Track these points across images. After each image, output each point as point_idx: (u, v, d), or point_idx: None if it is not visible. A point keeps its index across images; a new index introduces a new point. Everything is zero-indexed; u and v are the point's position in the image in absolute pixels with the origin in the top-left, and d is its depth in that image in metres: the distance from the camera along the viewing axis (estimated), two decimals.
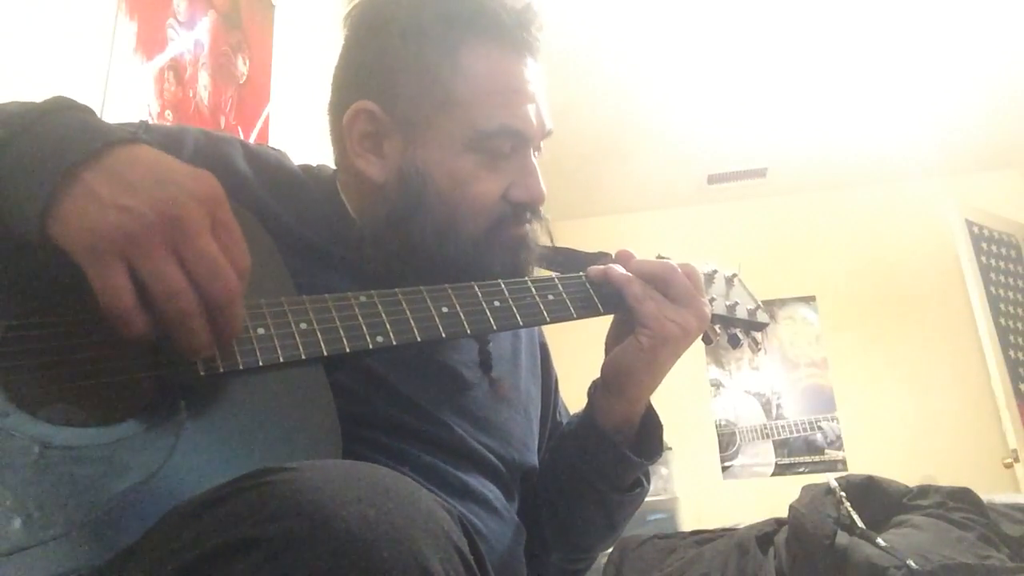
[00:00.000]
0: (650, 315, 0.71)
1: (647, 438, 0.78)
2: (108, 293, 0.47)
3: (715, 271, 0.88)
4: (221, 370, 0.52)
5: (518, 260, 0.75)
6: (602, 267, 0.76)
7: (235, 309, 0.51)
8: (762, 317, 0.89)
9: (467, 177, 0.73)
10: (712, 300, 0.82)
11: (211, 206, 0.51)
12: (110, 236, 0.47)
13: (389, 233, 0.74)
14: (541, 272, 0.77)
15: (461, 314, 0.65)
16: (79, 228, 0.48)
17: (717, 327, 0.84)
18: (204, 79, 1.69)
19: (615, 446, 0.75)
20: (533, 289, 0.71)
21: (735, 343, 0.85)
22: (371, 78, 0.75)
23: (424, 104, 0.73)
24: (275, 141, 1.97)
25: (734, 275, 0.90)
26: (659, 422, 0.80)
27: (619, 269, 0.75)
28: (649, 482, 0.83)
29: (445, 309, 0.65)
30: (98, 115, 0.57)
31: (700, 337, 0.79)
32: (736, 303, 0.86)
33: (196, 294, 0.49)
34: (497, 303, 0.68)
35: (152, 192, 0.49)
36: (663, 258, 0.80)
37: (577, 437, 0.80)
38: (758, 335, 0.89)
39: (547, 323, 0.71)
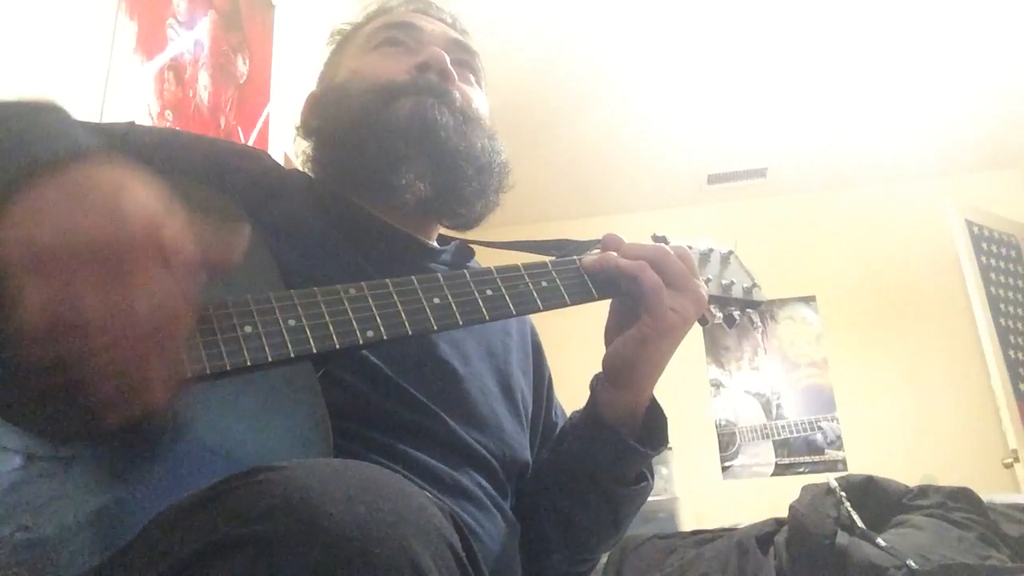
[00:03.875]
0: (659, 304, 0.71)
1: (651, 429, 0.78)
2: (21, 311, 0.42)
3: (711, 249, 0.86)
4: (208, 371, 0.51)
5: (426, 132, 0.78)
6: (597, 255, 0.75)
7: (164, 367, 0.45)
8: (758, 295, 0.87)
9: (363, 67, 0.85)
10: (708, 281, 0.81)
11: (166, 245, 0.46)
12: (41, 251, 0.43)
13: (322, 155, 0.84)
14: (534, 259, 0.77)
15: (453, 305, 0.64)
16: (12, 235, 0.43)
17: (713, 307, 0.82)
18: (204, 79, 1.69)
19: (620, 437, 0.74)
20: (526, 276, 0.70)
21: (731, 323, 0.83)
22: (318, 78, 0.94)
23: (335, 58, 0.92)
24: (275, 141, 1.97)
25: (730, 252, 0.88)
26: (663, 414, 0.79)
27: (617, 256, 0.74)
28: (653, 477, 0.82)
29: (436, 300, 0.63)
30: (72, 119, 0.55)
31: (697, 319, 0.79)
32: (732, 282, 0.85)
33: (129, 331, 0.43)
34: (490, 292, 0.67)
35: (104, 216, 0.44)
36: (658, 238, 0.80)
37: (580, 431, 0.79)
38: (754, 313, 0.87)
39: (540, 310, 0.70)
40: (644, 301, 0.72)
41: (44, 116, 0.54)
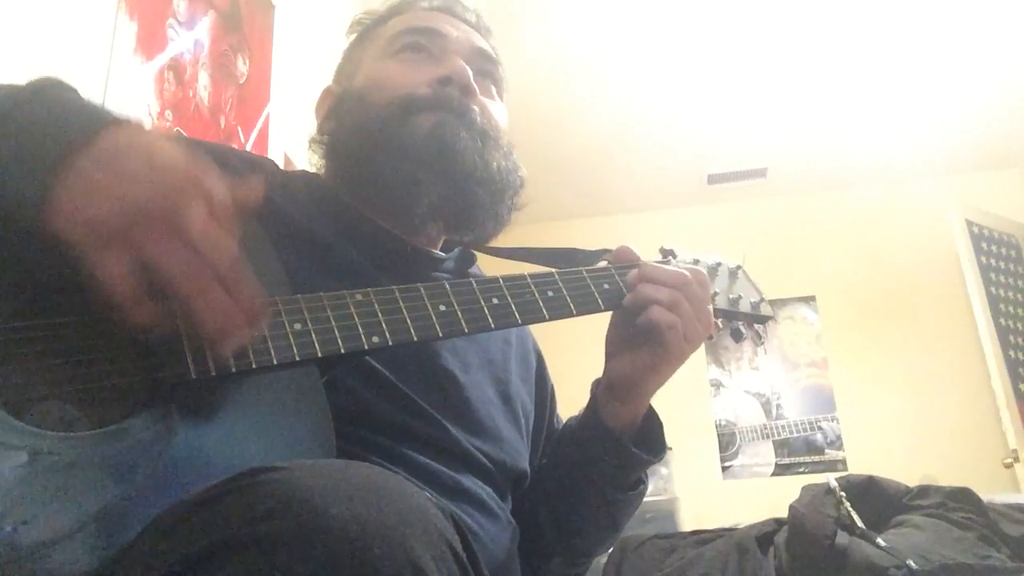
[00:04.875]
0: (676, 341, 0.72)
1: (650, 435, 0.79)
2: (109, 284, 0.46)
3: (719, 263, 0.87)
4: (213, 373, 0.51)
5: (442, 156, 0.76)
6: (632, 292, 0.75)
7: (248, 285, 0.50)
8: (766, 310, 0.88)
9: (383, 74, 0.82)
10: (715, 294, 0.82)
11: (205, 190, 0.50)
12: (108, 226, 0.46)
13: (334, 164, 0.83)
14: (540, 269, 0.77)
15: (459, 313, 0.64)
16: (76, 219, 0.47)
17: (719, 322, 0.83)
18: (204, 79, 1.69)
19: (623, 445, 0.75)
20: (532, 286, 0.71)
21: (738, 337, 0.84)
22: (336, 71, 0.92)
23: (356, 54, 0.89)
24: (275, 141, 1.97)
25: (738, 267, 0.89)
26: (659, 419, 0.80)
27: (653, 298, 0.73)
28: (647, 480, 0.83)
29: (442, 308, 0.64)
30: (83, 95, 0.57)
31: None
32: (740, 296, 0.86)
33: (210, 271, 0.48)
34: (495, 300, 0.67)
35: (147, 179, 0.48)
36: (666, 251, 0.82)
37: (580, 436, 0.79)
38: (761, 328, 0.88)
39: (546, 320, 0.70)
40: (663, 341, 0.72)
41: (58, 93, 0.56)
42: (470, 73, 0.80)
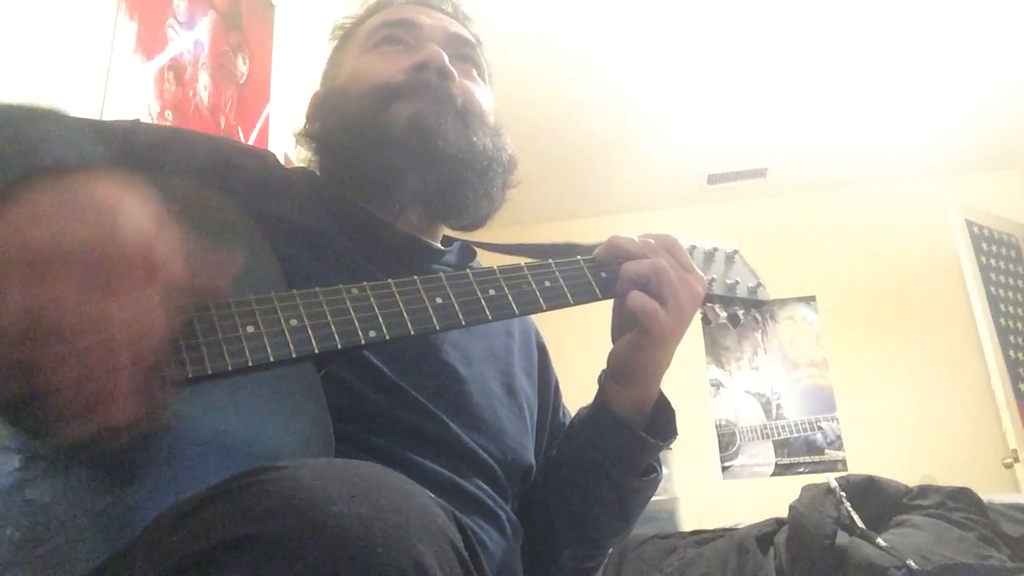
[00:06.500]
0: (653, 323, 0.71)
1: (659, 421, 0.78)
2: (5, 309, 0.41)
3: (715, 248, 0.86)
4: (209, 372, 0.51)
5: (424, 143, 0.76)
6: (622, 277, 0.75)
7: (141, 361, 0.44)
8: (763, 295, 0.87)
9: (362, 68, 0.84)
10: (712, 280, 0.82)
11: (153, 259, 0.46)
12: (30, 247, 0.43)
13: (322, 160, 0.84)
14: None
15: (455, 305, 0.64)
16: (3, 237, 0.43)
17: (717, 307, 0.83)
18: (204, 79, 1.69)
19: (629, 429, 0.75)
20: (529, 276, 0.70)
21: (735, 322, 0.84)
22: (322, 76, 0.93)
23: (338, 56, 0.91)
24: (275, 141, 1.97)
25: (735, 252, 0.88)
26: (671, 407, 0.80)
27: (633, 287, 0.74)
28: (661, 470, 0.82)
29: (439, 300, 0.63)
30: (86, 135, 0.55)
31: (700, 318, 0.80)
32: (737, 282, 0.85)
33: (107, 338, 0.43)
34: (492, 291, 0.67)
35: (97, 226, 0.44)
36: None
37: (589, 424, 0.79)
38: (758, 312, 0.87)
39: (544, 310, 0.70)
40: (642, 324, 0.72)
41: (47, 123, 0.54)
42: (445, 57, 0.81)
